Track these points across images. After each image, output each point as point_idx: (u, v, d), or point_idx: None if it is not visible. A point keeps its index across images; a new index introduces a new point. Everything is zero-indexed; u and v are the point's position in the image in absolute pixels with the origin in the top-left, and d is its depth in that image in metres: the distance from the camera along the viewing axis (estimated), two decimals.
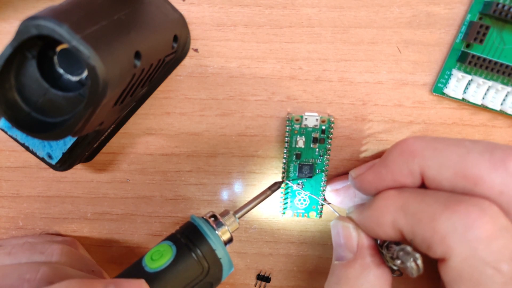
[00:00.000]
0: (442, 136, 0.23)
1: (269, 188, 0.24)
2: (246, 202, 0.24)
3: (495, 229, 0.16)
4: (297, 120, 0.24)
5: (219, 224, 0.22)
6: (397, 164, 0.19)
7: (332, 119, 0.24)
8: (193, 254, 0.20)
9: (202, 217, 0.22)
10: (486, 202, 0.17)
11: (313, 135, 0.25)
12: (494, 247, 0.16)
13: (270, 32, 0.24)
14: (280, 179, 0.26)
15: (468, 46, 0.23)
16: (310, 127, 0.24)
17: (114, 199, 0.28)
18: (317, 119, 0.24)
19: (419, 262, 0.18)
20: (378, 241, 0.21)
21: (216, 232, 0.21)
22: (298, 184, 0.26)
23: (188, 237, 0.21)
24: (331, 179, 0.26)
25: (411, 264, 0.18)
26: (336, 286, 0.20)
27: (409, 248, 0.18)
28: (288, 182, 0.26)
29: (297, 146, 0.25)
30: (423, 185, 0.19)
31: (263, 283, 0.29)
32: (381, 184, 0.20)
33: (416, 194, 0.19)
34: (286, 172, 0.25)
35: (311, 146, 0.25)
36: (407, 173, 0.19)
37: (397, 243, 0.20)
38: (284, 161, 0.25)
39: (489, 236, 0.16)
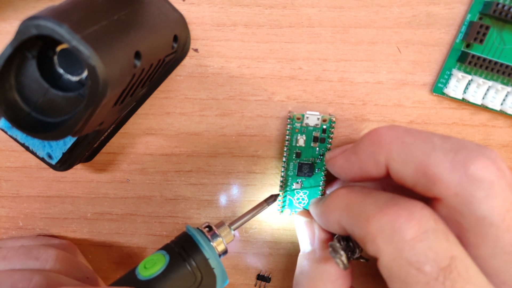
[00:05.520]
0: (417, 129, 0.23)
1: (266, 200, 0.25)
2: (242, 214, 0.24)
3: (420, 232, 0.16)
4: (298, 118, 0.24)
5: (214, 236, 0.22)
6: (365, 152, 0.20)
7: (333, 118, 0.24)
8: (186, 263, 0.20)
9: (197, 228, 0.22)
10: (418, 206, 0.17)
11: (314, 134, 0.25)
12: (418, 249, 0.16)
13: (270, 32, 0.24)
14: (277, 192, 0.26)
15: (468, 46, 0.23)
16: (311, 126, 0.24)
17: (114, 199, 0.28)
18: (318, 118, 0.24)
19: (343, 259, 0.20)
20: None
21: (211, 243, 0.21)
22: (298, 182, 0.26)
23: (182, 247, 0.21)
24: (330, 180, 0.26)
25: (337, 260, 0.20)
26: (300, 275, 0.22)
27: (337, 245, 0.20)
28: (286, 195, 0.26)
29: (297, 144, 0.25)
30: (389, 176, 0.20)
31: (263, 283, 0.29)
32: (350, 170, 0.21)
33: (361, 194, 0.19)
34: (285, 170, 0.25)
35: (312, 145, 0.25)
36: (373, 163, 0.19)
37: (347, 237, 0.21)
38: (284, 160, 0.25)
39: (413, 238, 0.16)
